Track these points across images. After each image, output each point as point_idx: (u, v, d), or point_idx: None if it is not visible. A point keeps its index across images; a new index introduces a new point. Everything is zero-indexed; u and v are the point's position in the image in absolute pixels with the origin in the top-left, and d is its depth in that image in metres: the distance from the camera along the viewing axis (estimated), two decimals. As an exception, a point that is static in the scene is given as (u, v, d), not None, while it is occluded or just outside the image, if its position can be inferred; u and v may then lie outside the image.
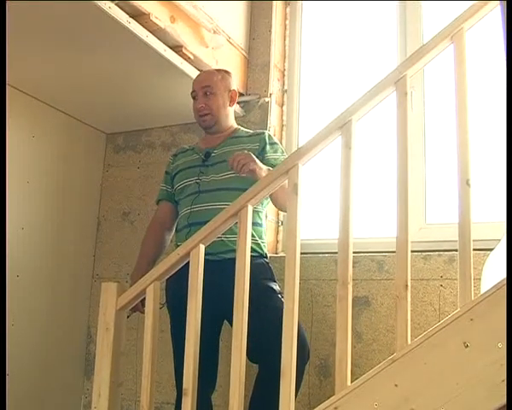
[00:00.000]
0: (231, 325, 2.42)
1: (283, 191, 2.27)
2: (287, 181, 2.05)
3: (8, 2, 2.38)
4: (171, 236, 2.85)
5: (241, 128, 2.89)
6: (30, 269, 3.45)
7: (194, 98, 2.79)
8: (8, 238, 3.20)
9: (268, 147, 2.72)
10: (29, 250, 3.45)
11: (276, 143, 2.78)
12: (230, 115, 2.85)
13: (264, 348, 2.25)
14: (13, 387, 3.24)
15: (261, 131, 2.88)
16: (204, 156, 2.74)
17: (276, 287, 2.54)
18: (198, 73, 3.06)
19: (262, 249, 2.64)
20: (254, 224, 2.55)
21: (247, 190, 2.32)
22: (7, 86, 3.28)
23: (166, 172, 2.89)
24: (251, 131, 2.89)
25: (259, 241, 2.62)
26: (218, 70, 2.91)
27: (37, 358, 3.46)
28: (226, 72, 2.88)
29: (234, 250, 2.45)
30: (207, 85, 2.76)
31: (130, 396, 3.38)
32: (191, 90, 2.81)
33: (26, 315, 3.40)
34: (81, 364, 3.75)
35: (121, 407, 3.29)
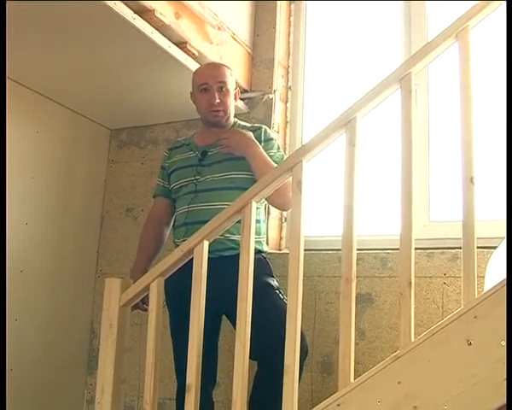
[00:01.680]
0: (230, 321, 2.43)
1: (277, 192, 2.28)
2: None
3: (8, 2, 2.39)
4: (168, 230, 2.84)
5: (239, 122, 2.85)
6: (33, 264, 3.45)
7: (204, 90, 2.70)
8: (12, 234, 3.21)
9: (263, 144, 2.68)
10: (33, 246, 3.46)
11: (271, 139, 2.75)
12: (233, 112, 2.84)
13: (263, 345, 2.25)
14: (16, 382, 3.25)
15: (258, 126, 2.82)
16: (201, 155, 2.72)
17: (273, 283, 2.55)
18: (202, 69, 3.06)
19: (261, 245, 2.64)
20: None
21: (244, 189, 2.32)
22: (11, 82, 3.29)
23: (162, 167, 2.87)
24: (248, 125, 2.85)
25: (258, 237, 2.62)
26: (225, 65, 2.85)
27: (40, 353, 3.47)
28: (230, 69, 2.85)
29: (231, 248, 2.48)
30: (223, 81, 2.71)
31: (133, 392, 3.39)
32: (201, 82, 2.71)
33: (30, 310, 3.41)
34: (84, 359, 3.77)
35: (124, 402, 3.30)
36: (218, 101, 2.67)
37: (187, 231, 2.58)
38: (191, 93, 2.82)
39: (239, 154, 2.59)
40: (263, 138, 2.71)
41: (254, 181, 2.49)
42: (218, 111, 2.70)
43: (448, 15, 3.10)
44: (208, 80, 2.71)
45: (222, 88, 2.70)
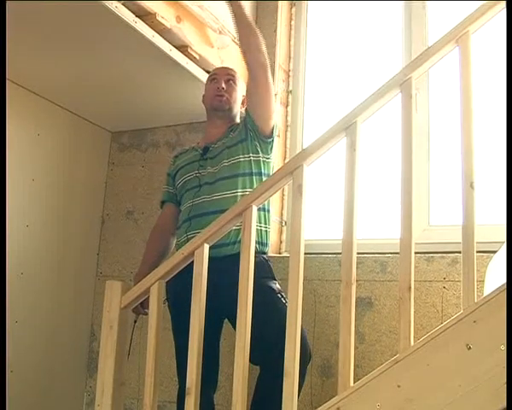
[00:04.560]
0: (232, 324, 2.43)
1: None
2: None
3: (8, 3, 2.40)
4: (175, 239, 2.85)
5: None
6: (34, 267, 3.46)
7: (213, 80, 2.84)
8: (13, 236, 3.22)
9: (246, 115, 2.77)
10: (33, 248, 3.47)
11: None
12: (238, 115, 2.88)
13: (264, 349, 2.26)
14: (16, 384, 3.25)
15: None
16: (202, 151, 2.77)
17: (275, 286, 2.54)
18: (203, 73, 3.11)
19: (266, 237, 2.65)
20: (262, 209, 2.61)
21: (245, 173, 2.55)
22: (12, 84, 3.29)
23: (168, 174, 2.91)
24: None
25: (266, 226, 2.65)
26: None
27: (40, 355, 3.47)
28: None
29: (234, 243, 2.48)
30: (232, 76, 2.85)
31: (132, 394, 3.39)
32: (211, 74, 2.88)
33: (30, 313, 3.41)
34: (84, 362, 3.77)
35: (124, 405, 3.30)
36: (223, 86, 2.79)
37: (190, 224, 2.59)
38: (203, 96, 2.91)
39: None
40: (244, 118, 2.78)
41: (255, 162, 2.66)
42: (222, 96, 2.78)
43: (449, 18, 3.11)
44: (218, 72, 2.89)
45: (229, 81, 2.82)
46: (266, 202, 2.68)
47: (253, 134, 2.68)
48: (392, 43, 3.41)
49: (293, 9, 3.76)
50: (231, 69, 2.92)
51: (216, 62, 3.19)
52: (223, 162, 2.66)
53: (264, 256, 2.65)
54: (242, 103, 2.89)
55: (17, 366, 3.28)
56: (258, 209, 2.18)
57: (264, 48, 2.65)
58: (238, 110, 2.87)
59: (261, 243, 2.61)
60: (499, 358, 1.62)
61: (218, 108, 2.80)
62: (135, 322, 2.65)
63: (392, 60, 3.37)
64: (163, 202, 2.91)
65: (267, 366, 2.34)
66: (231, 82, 2.82)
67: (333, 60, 3.64)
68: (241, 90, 2.87)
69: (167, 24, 2.83)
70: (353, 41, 3.58)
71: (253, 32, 2.66)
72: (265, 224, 2.67)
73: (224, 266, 2.38)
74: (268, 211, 2.70)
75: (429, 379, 1.70)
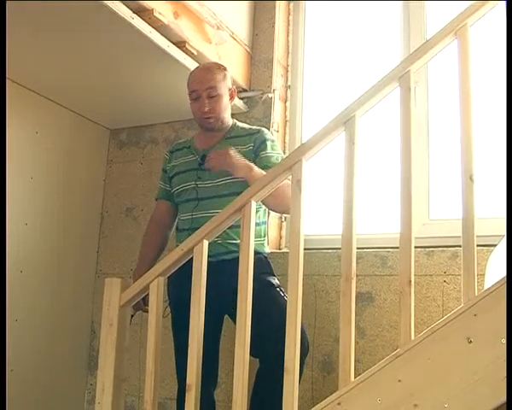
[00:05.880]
0: (232, 319, 2.43)
1: (272, 195, 2.19)
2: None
3: (8, 3, 2.39)
4: (171, 233, 2.84)
5: (238, 124, 2.82)
6: (33, 265, 3.45)
7: (194, 99, 2.69)
8: (12, 234, 3.21)
9: (262, 146, 2.67)
10: (33, 246, 3.46)
11: (269, 141, 2.70)
12: (230, 112, 2.81)
13: (264, 342, 2.26)
14: (16, 382, 3.25)
15: (257, 129, 2.79)
16: (200, 159, 2.70)
17: (274, 281, 2.54)
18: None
19: (261, 247, 2.63)
20: (257, 224, 2.57)
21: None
22: (11, 82, 3.28)
23: (164, 170, 2.87)
24: (247, 127, 2.83)
25: (259, 240, 2.61)
26: (218, 66, 2.79)
27: (40, 353, 3.47)
28: (224, 68, 2.78)
29: (233, 251, 2.47)
30: (212, 87, 2.66)
31: (133, 392, 3.38)
32: (191, 90, 2.70)
33: (30, 311, 3.41)
34: (84, 359, 3.77)
35: (125, 402, 3.30)
36: (207, 109, 2.66)
37: (189, 236, 2.58)
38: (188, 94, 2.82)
39: (234, 174, 2.54)
40: (261, 140, 2.69)
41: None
42: (209, 118, 2.68)
43: (447, 15, 3.10)
44: (197, 87, 2.68)
45: (212, 94, 2.66)
46: (261, 215, 2.68)
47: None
48: (391, 37, 3.40)
49: (292, 5, 3.76)
50: (210, 77, 2.69)
51: (214, 58, 3.18)
52: (223, 178, 2.61)
53: (264, 254, 2.64)
54: (231, 98, 2.78)
55: (17, 365, 3.27)
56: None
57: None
58: (229, 112, 2.78)
59: (262, 252, 2.61)
60: (500, 351, 1.62)
61: (209, 129, 2.72)
62: (131, 316, 2.65)
63: (391, 54, 3.36)
64: (158, 199, 2.88)
65: (266, 360, 2.34)
66: (214, 95, 2.66)
67: (331, 54, 3.63)
68: (226, 88, 2.72)
69: (165, 20, 2.83)
70: (352, 36, 3.57)
71: (280, 202, 2.48)
72: (260, 237, 2.64)
73: (225, 266, 2.41)
74: (259, 224, 2.65)
75: (430, 373, 1.70)
